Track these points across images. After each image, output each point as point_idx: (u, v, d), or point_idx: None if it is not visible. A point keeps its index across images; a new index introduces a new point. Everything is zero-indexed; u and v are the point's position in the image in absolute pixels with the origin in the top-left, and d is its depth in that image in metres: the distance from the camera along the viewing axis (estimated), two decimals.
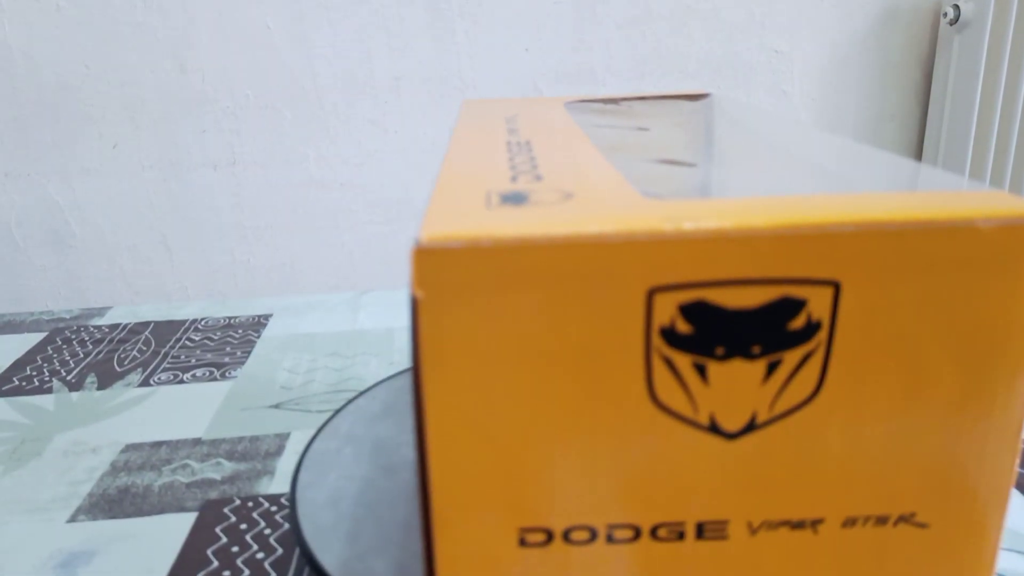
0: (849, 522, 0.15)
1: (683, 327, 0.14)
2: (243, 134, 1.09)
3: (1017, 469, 0.15)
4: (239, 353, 0.49)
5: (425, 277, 0.13)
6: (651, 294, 0.14)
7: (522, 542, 0.15)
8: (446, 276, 0.13)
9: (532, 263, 0.13)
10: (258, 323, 0.54)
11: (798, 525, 0.15)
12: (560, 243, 0.13)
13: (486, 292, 0.13)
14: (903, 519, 0.15)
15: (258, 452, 0.37)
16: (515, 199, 0.15)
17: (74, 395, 0.45)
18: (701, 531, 0.15)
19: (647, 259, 0.13)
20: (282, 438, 0.38)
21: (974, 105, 1.08)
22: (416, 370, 0.14)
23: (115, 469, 0.36)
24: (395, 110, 1.12)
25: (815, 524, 0.15)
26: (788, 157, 0.23)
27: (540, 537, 0.15)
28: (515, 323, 0.14)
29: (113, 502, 0.34)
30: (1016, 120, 1.07)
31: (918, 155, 1.23)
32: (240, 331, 0.53)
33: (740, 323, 0.14)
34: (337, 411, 0.32)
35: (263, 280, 1.17)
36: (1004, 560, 0.27)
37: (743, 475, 0.15)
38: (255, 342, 0.51)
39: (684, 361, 0.14)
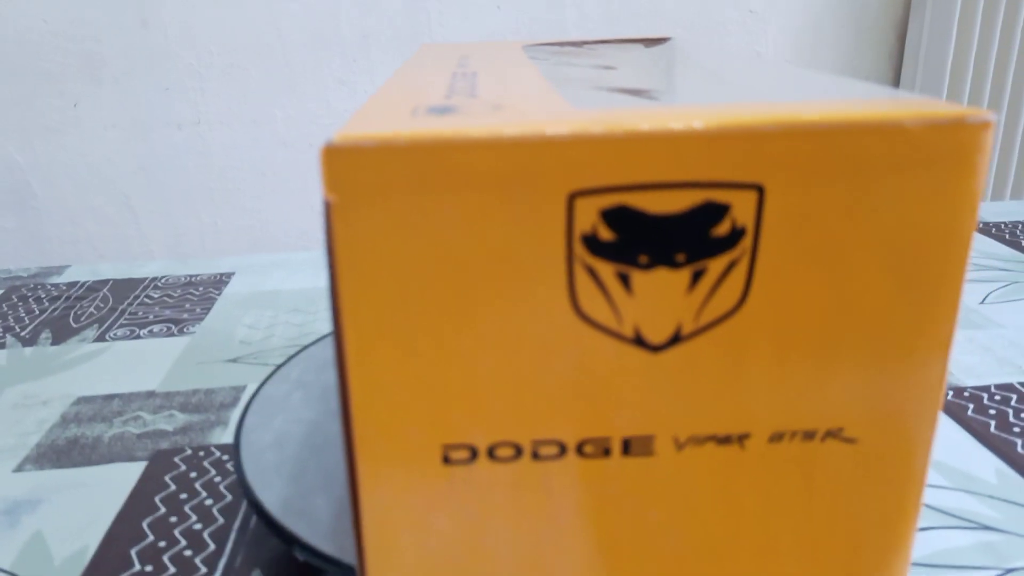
0: (776, 437, 0.15)
1: (605, 234, 0.14)
2: (208, 93, 1.07)
3: (946, 384, 0.15)
4: (199, 310, 0.49)
5: (337, 180, 0.13)
6: (572, 199, 0.13)
7: (446, 459, 0.15)
8: (359, 178, 0.13)
9: (449, 165, 0.13)
10: (220, 281, 0.54)
11: (725, 440, 0.15)
12: (477, 144, 0.13)
13: (402, 196, 0.13)
14: (831, 434, 0.15)
15: (212, 404, 0.37)
16: (442, 111, 0.15)
17: (27, 350, 0.44)
18: (627, 447, 0.15)
19: (567, 161, 0.13)
20: (238, 390, 0.38)
21: (946, 68, 1.08)
22: (332, 280, 0.14)
23: (65, 421, 0.36)
24: (364, 69, 1.10)
25: (742, 439, 0.15)
26: (741, 86, 0.23)
27: (464, 454, 0.15)
28: (433, 229, 0.13)
29: (61, 452, 0.33)
30: (987, 83, 1.07)
31: None
32: (201, 288, 0.52)
33: (663, 229, 0.13)
34: (289, 358, 0.32)
35: (230, 243, 1.16)
36: (954, 500, 0.27)
37: (669, 389, 0.15)
38: (216, 299, 0.50)
39: (607, 270, 0.14)
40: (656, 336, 0.14)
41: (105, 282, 0.55)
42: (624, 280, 0.14)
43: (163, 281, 0.54)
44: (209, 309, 0.49)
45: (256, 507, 0.22)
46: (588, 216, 0.13)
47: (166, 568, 0.26)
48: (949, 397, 0.34)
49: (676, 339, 0.14)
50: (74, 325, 0.47)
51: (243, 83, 1.08)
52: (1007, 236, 0.56)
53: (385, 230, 0.13)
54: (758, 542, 0.16)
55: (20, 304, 0.51)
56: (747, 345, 0.14)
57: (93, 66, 1.05)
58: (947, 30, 1.06)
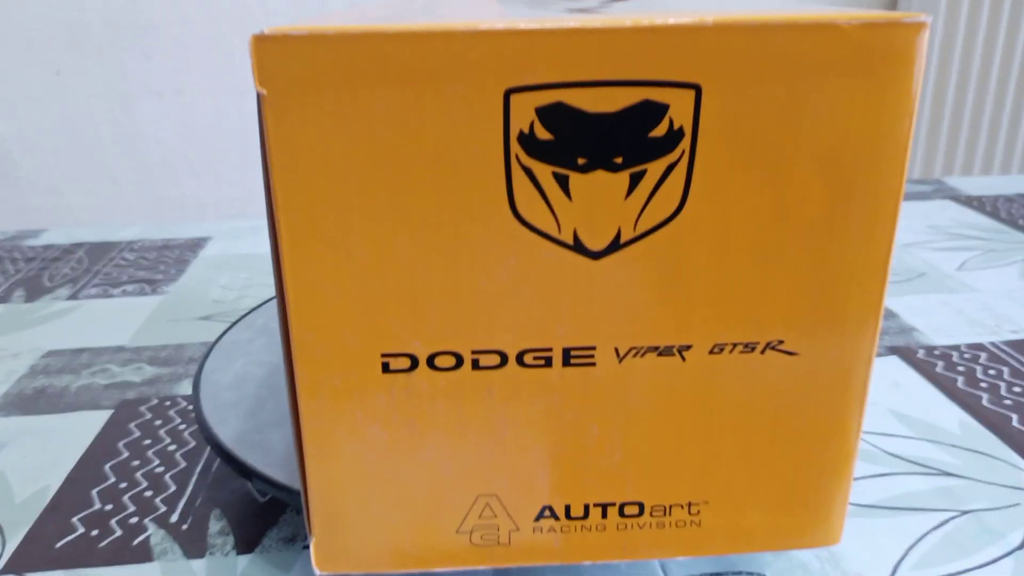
0: (717, 348, 0.15)
1: (542, 133, 0.13)
2: (191, 63, 1.06)
3: (885, 296, 0.15)
4: (173, 271, 0.48)
5: (268, 71, 0.13)
6: (507, 95, 0.13)
7: (385, 368, 0.15)
8: (290, 70, 0.13)
9: (380, 57, 0.13)
10: (196, 244, 0.53)
11: (665, 351, 0.15)
12: (409, 36, 0.13)
13: (334, 89, 0.13)
14: (771, 347, 0.15)
15: (181, 358, 0.37)
16: (384, 21, 0.15)
17: (0, 307, 0.44)
18: (568, 358, 0.15)
19: (501, 57, 0.13)
20: (208, 346, 0.38)
21: (935, 42, 1.08)
22: (266, 179, 0.14)
23: (34, 372, 0.36)
24: None
25: (682, 351, 0.15)
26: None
27: (404, 363, 0.15)
28: (367, 125, 0.13)
29: (28, 401, 0.33)
30: (976, 50, 1.08)
31: None
32: (177, 251, 0.52)
33: (601, 129, 0.13)
34: (256, 307, 0.32)
35: (212, 214, 1.15)
36: (916, 448, 0.27)
37: (609, 297, 0.15)
38: (191, 261, 0.50)
39: (545, 172, 0.14)
40: (595, 242, 0.14)
41: (81, 245, 0.54)
42: (562, 183, 0.14)
43: (139, 244, 0.54)
44: (184, 271, 0.48)
45: (211, 441, 0.22)
46: (524, 114, 0.13)
47: (126, 507, 0.26)
48: (919, 355, 0.34)
49: (615, 246, 0.14)
50: (48, 284, 0.47)
51: (227, 53, 1.07)
52: (987, 208, 0.56)
53: (318, 125, 0.13)
54: (699, 456, 0.16)
55: None
56: (686, 252, 0.14)
57: (76, 35, 1.04)
58: (936, 2, 1.06)
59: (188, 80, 1.06)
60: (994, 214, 0.54)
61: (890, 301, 0.40)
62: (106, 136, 1.08)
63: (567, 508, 0.16)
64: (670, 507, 0.16)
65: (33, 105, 1.06)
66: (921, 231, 0.51)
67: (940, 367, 0.33)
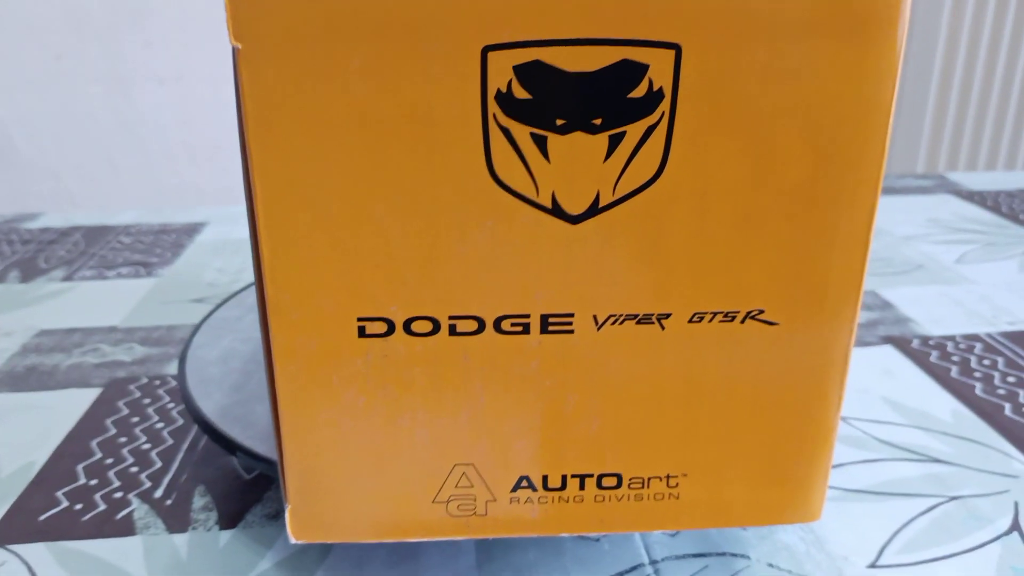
0: (696, 317, 0.15)
1: (520, 92, 0.13)
2: (191, 48, 1.06)
3: (866, 266, 0.15)
4: (168, 255, 0.48)
5: (243, 25, 0.13)
6: (485, 52, 0.13)
7: (362, 332, 0.15)
8: (267, 24, 0.13)
9: (358, 12, 0.13)
10: (193, 229, 0.53)
11: (644, 320, 0.15)
12: None
13: (310, 44, 0.13)
14: (751, 316, 0.15)
15: (173, 339, 0.36)
16: None
17: None
18: (546, 324, 0.15)
19: (478, 12, 0.13)
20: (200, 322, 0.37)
21: (939, 37, 1.08)
22: (242, 136, 0.13)
23: (25, 350, 0.36)
24: None
25: (661, 319, 0.15)
26: None
27: (380, 327, 0.15)
28: (345, 81, 0.13)
29: (18, 378, 0.33)
30: (981, 53, 1.07)
31: None
32: (174, 235, 0.52)
33: (579, 89, 0.13)
34: (247, 287, 0.32)
35: (211, 201, 1.15)
36: (907, 435, 0.27)
37: (587, 263, 0.14)
38: (187, 245, 0.50)
39: (523, 133, 0.14)
40: (574, 206, 0.14)
41: (78, 228, 0.54)
42: (540, 144, 0.14)
43: (135, 228, 0.54)
44: (179, 254, 0.48)
45: (194, 414, 0.22)
46: (502, 72, 0.13)
47: (111, 482, 0.26)
48: (914, 344, 0.34)
49: (594, 210, 0.14)
50: (43, 266, 0.47)
51: (227, 40, 1.07)
52: (988, 203, 0.56)
53: (294, 80, 0.13)
54: (678, 427, 0.16)
55: None
56: (666, 218, 0.14)
57: (77, 19, 1.04)
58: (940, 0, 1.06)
59: (188, 66, 1.06)
60: (995, 209, 0.54)
61: (887, 292, 0.40)
62: (106, 121, 1.08)
63: (544, 478, 0.16)
64: (648, 479, 0.16)
65: (33, 90, 1.06)
66: (921, 224, 0.51)
67: (934, 356, 0.33)
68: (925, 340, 0.34)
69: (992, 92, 1.12)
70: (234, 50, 0.13)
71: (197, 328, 0.27)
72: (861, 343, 0.34)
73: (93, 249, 0.49)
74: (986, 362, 0.32)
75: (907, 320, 0.36)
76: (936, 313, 0.37)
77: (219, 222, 0.54)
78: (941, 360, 0.33)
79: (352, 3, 0.13)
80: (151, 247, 0.50)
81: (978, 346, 0.34)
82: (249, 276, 0.44)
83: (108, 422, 0.29)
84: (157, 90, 1.07)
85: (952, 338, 0.35)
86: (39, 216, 0.57)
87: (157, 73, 1.06)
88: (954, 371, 0.32)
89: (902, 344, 0.34)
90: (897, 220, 0.52)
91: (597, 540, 0.21)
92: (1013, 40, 1.09)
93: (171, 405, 0.30)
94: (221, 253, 0.48)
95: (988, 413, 0.28)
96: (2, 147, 1.08)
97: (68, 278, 0.45)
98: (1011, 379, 0.31)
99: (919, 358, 0.33)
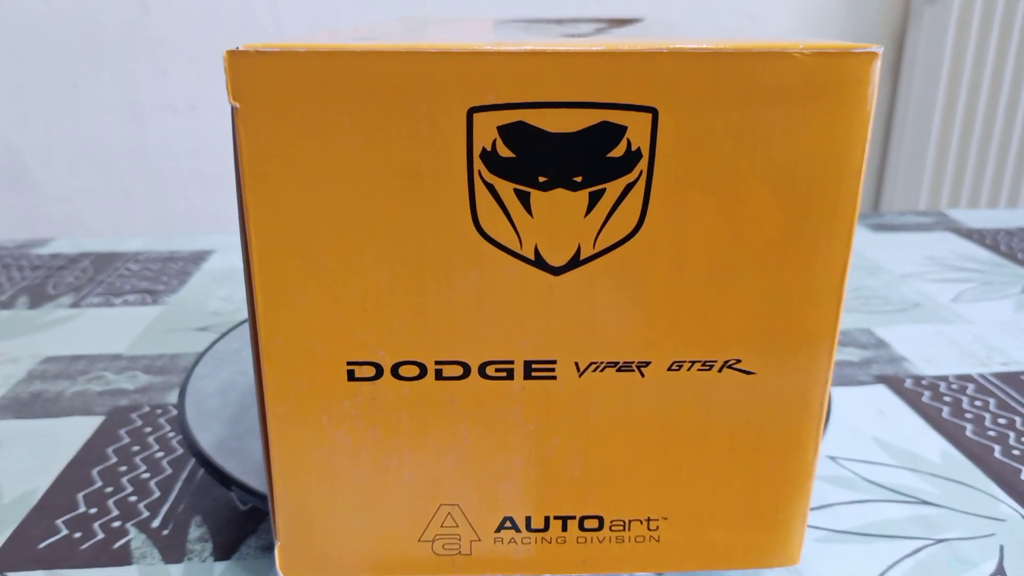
0: (675, 366, 0.15)
1: (504, 151, 0.14)
2: (205, 78, 1.08)
3: (840, 316, 0.15)
4: (175, 283, 0.49)
5: (241, 85, 0.13)
6: (471, 114, 0.14)
7: (351, 375, 0.15)
8: (263, 84, 0.13)
9: (348, 74, 0.13)
10: (199, 257, 0.54)
11: (624, 367, 0.15)
12: (376, 55, 0.13)
13: (304, 104, 0.13)
14: (728, 365, 0.15)
15: (176, 367, 0.37)
16: (364, 40, 0.15)
17: (3, 313, 0.44)
18: (529, 370, 0.15)
19: (464, 77, 0.13)
20: (201, 354, 0.38)
21: (941, 77, 1.09)
22: (239, 188, 0.14)
23: (31, 377, 0.36)
24: None
25: (641, 367, 0.15)
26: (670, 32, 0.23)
27: (369, 371, 0.15)
28: (337, 139, 0.14)
29: (23, 405, 0.34)
30: (982, 93, 1.08)
31: (888, 126, 1.23)
32: (180, 263, 0.53)
33: (561, 149, 0.14)
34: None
35: (220, 228, 1.16)
36: (895, 476, 0.27)
37: (569, 313, 0.15)
38: (193, 273, 0.51)
39: (507, 189, 0.14)
40: (556, 258, 0.15)
41: (87, 255, 0.55)
42: (524, 200, 0.14)
43: (143, 256, 0.54)
44: (185, 282, 0.49)
45: (192, 447, 0.22)
46: (487, 132, 0.14)
47: (110, 511, 0.26)
48: (907, 384, 0.34)
49: (575, 262, 0.15)
50: (52, 292, 0.48)
51: None
52: (987, 241, 0.56)
53: (289, 138, 0.14)
54: (658, 471, 0.16)
55: (2, 272, 0.52)
56: (645, 270, 0.15)
57: (93, 49, 1.06)
58: (943, 40, 1.07)
59: (201, 96, 1.08)
60: (994, 247, 0.54)
61: (882, 330, 0.40)
62: (119, 148, 1.10)
63: (528, 520, 0.16)
64: (629, 522, 0.16)
65: (49, 117, 1.08)
66: (919, 262, 0.51)
67: (927, 397, 0.33)
68: (918, 380, 0.35)
69: (995, 127, 1.12)
70: (233, 108, 0.13)
71: (198, 360, 0.28)
72: (855, 382, 0.34)
73: (101, 276, 0.50)
74: (978, 403, 0.32)
75: (901, 359, 0.37)
76: (930, 352, 0.38)
77: (225, 250, 0.55)
78: (933, 400, 0.33)
79: (344, 65, 0.13)
80: (158, 275, 0.50)
81: (971, 387, 0.34)
82: None
83: (109, 450, 0.30)
84: (170, 118, 1.08)
85: (945, 378, 0.35)
86: (49, 242, 0.58)
87: (170, 102, 1.07)
88: (946, 412, 0.32)
89: (895, 384, 0.34)
90: (896, 258, 0.52)
91: None
92: (1016, 75, 1.10)
93: (171, 434, 0.31)
94: (226, 281, 0.49)
95: (977, 455, 0.29)
96: (17, 172, 1.10)
97: (76, 304, 0.45)
98: (1002, 420, 0.31)
99: (911, 398, 0.33)
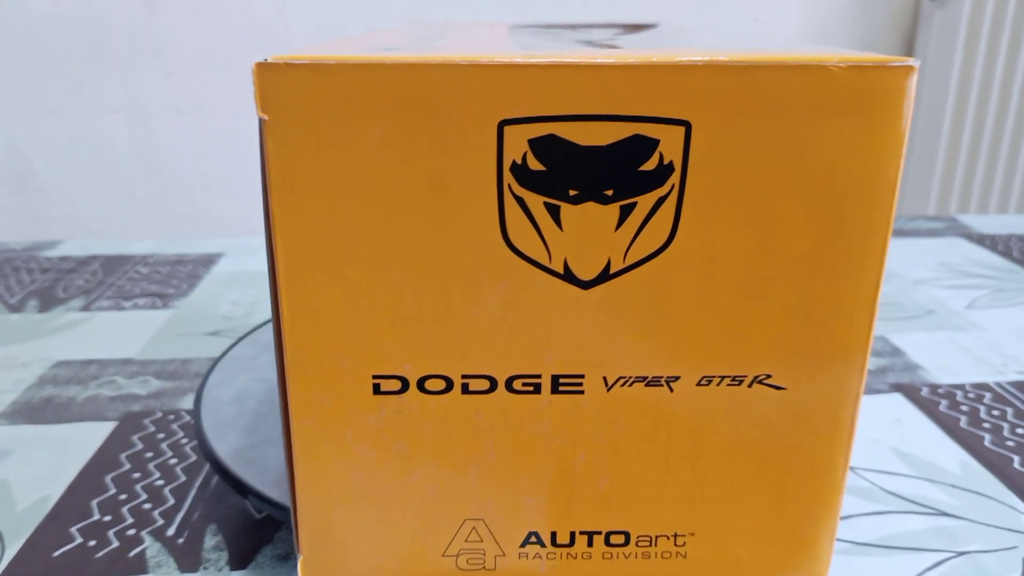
0: (704, 381, 0.15)
1: (535, 164, 0.14)
2: (210, 80, 1.08)
3: (873, 332, 0.15)
4: (185, 286, 0.49)
5: (270, 97, 0.13)
6: (501, 126, 0.13)
7: (376, 389, 0.15)
8: (291, 96, 0.13)
9: (378, 86, 0.13)
10: (209, 260, 0.54)
11: (653, 382, 0.15)
12: (405, 66, 0.13)
13: (333, 117, 0.13)
14: (759, 380, 0.15)
15: (188, 372, 0.37)
16: (387, 50, 0.15)
17: (13, 316, 0.44)
18: (556, 385, 0.15)
19: (496, 89, 0.13)
20: (216, 360, 0.38)
21: (951, 80, 1.08)
22: (265, 201, 0.14)
23: (42, 382, 0.36)
24: None
25: (670, 382, 0.15)
26: (694, 42, 0.23)
27: (395, 385, 0.15)
28: (365, 152, 0.14)
29: (35, 410, 0.33)
30: (993, 95, 1.08)
31: None
32: (190, 266, 0.53)
33: (592, 162, 0.14)
34: (262, 324, 0.32)
35: (225, 230, 1.16)
36: (915, 487, 0.27)
37: (598, 327, 0.15)
38: (203, 276, 0.51)
39: (537, 202, 0.14)
40: (585, 272, 0.14)
41: (96, 257, 0.55)
42: (554, 213, 0.14)
43: (152, 259, 0.54)
44: (195, 286, 0.49)
45: (209, 456, 0.22)
46: (518, 145, 0.14)
47: (124, 519, 0.26)
48: (923, 393, 0.34)
49: (605, 276, 0.14)
50: (61, 295, 0.48)
51: (245, 71, 1.09)
52: (999, 247, 0.56)
53: (317, 150, 0.13)
54: (686, 487, 0.16)
55: (12, 275, 0.52)
56: (675, 285, 0.14)
57: (98, 50, 1.06)
58: (953, 43, 1.07)
59: (207, 97, 1.08)
60: (1006, 253, 0.54)
61: (896, 338, 0.40)
62: (124, 150, 1.10)
63: (553, 535, 0.16)
64: (656, 537, 0.16)
65: (54, 117, 1.08)
66: (931, 268, 0.51)
67: (944, 406, 0.33)
68: (934, 388, 0.35)
69: (1005, 131, 1.12)
70: (261, 121, 0.13)
71: (213, 366, 0.27)
72: (871, 390, 0.34)
73: (111, 279, 0.50)
74: (995, 412, 0.32)
75: (916, 367, 0.36)
76: (945, 360, 0.38)
77: (235, 253, 0.55)
78: (950, 410, 0.33)
79: (373, 77, 0.13)
80: (168, 278, 0.50)
81: (987, 395, 0.34)
82: (263, 310, 0.44)
83: (122, 457, 0.30)
84: (176, 119, 1.09)
85: (961, 387, 0.35)
86: (58, 244, 0.58)
87: (176, 103, 1.08)
88: (963, 421, 0.32)
89: (911, 392, 0.34)
90: (908, 263, 0.52)
91: None
92: None
93: (184, 441, 0.31)
94: (236, 285, 0.49)
95: (997, 466, 0.28)
96: (22, 173, 1.10)
97: (86, 308, 0.45)
98: (1020, 431, 0.31)
99: (928, 407, 0.33)
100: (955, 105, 1.10)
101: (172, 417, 0.32)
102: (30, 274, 0.51)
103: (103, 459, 0.29)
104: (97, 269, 0.52)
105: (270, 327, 0.32)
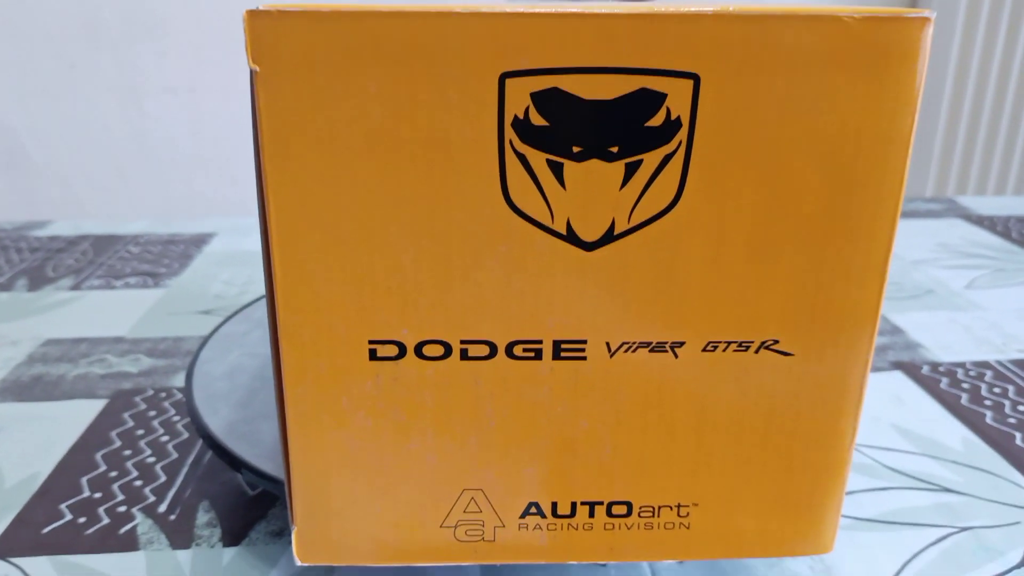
0: (710, 346, 0.15)
1: (537, 119, 0.13)
2: (204, 60, 1.06)
3: (882, 299, 0.14)
4: (176, 266, 0.48)
5: (261, 47, 0.13)
6: (503, 79, 0.13)
7: (372, 355, 0.15)
8: (283, 47, 0.13)
9: (374, 36, 0.13)
10: (201, 240, 0.53)
11: (658, 348, 0.15)
12: (404, 16, 0.13)
13: (327, 68, 0.13)
14: (766, 346, 0.15)
15: (179, 350, 0.36)
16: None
17: (2, 295, 0.44)
18: (558, 350, 0.15)
19: (497, 40, 0.13)
20: (207, 336, 0.37)
21: (950, 61, 1.08)
22: (257, 160, 0.13)
23: (31, 360, 0.36)
24: None
25: (675, 347, 0.15)
26: None
27: (392, 350, 0.15)
28: (361, 105, 0.13)
29: (24, 388, 0.33)
30: (992, 75, 1.07)
31: None
32: (182, 246, 0.52)
33: (597, 117, 0.13)
34: (255, 300, 0.32)
35: (220, 212, 1.16)
36: (917, 464, 0.27)
37: (601, 290, 0.14)
38: (195, 256, 0.50)
39: (539, 159, 0.13)
40: (589, 233, 0.14)
41: (86, 237, 0.54)
42: (557, 171, 0.14)
43: (144, 238, 0.54)
44: (187, 265, 0.48)
45: (201, 430, 0.22)
46: (520, 99, 0.13)
47: (115, 495, 0.25)
48: (924, 371, 0.34)
49: (609, 237, 0.14)
50: (51, 275, 0.47)
51: (240, 52, 1.08)
52: (998, 228, 0.55)
53: (310, 104, 0.13)
54: (690, 456, 0.15)
55: (1, 254, 0.51)
56: (681, 246, 0.14)
57: (91, 30, 1.05)
58: (952, 24, 1.06)
59: (200, 78, 1.07)
60: (1005, 234, 0.54)
61: (897, 317, 0.40)
62: (117, 131, 1.09)
63: (554, 505, 0.16)
64: (659, 508, 0.16)
65: (46, 98, 1.07)
66: (930, 249, 0.51)
67: (945, 383, 0.33)
68: (935, 366, 0.34)
69: (1003, 115, 1.12)
70: (252, 72, 0.13)
71: (204, 342, 0.27)
72: (872, 368, 0.34)
73: (101, 258, 0.50)
74: (996, 390, 0.32)
75: (917, 345, 0.36)
76: (946, 339, 0.37)
77: (227, 233, 0.54)
78: (951, 387, 0.32)
79: (370, 27, 0.12)
80: (159, 257, 0.50)
81: (988, 373, 0.34)
82: (256, 289, 0.44)
83: (113, 434, 0.29)
84: (169, 100, 1.07)
85: (962, 365, 0.34)
86: (48, 224, 0.57)
87: (169, 84, 1.06)
88: (964, 399, 0.31)
89: (912, 370, 0.34)
90: (907, 244, 0.52)
91: (604, 567, 0.21)
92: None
93: (176, 418, 0.30)
94: (229, 264, 0.48)
95: (999, 442, 0.28)
96: (14, 153, 1.09)
97: (76, 287, 0.45)
98: (1022, 408, 0.30)
99: (929, 385, 0.33)
100: (953, 87, 1.10)
101: (164, 395, 0.32)
102: (19, 253, 0.50)
103: (93, 436, 0.29)
104: (87, 248, 0.51)
105: (262, 304, 0.31)
